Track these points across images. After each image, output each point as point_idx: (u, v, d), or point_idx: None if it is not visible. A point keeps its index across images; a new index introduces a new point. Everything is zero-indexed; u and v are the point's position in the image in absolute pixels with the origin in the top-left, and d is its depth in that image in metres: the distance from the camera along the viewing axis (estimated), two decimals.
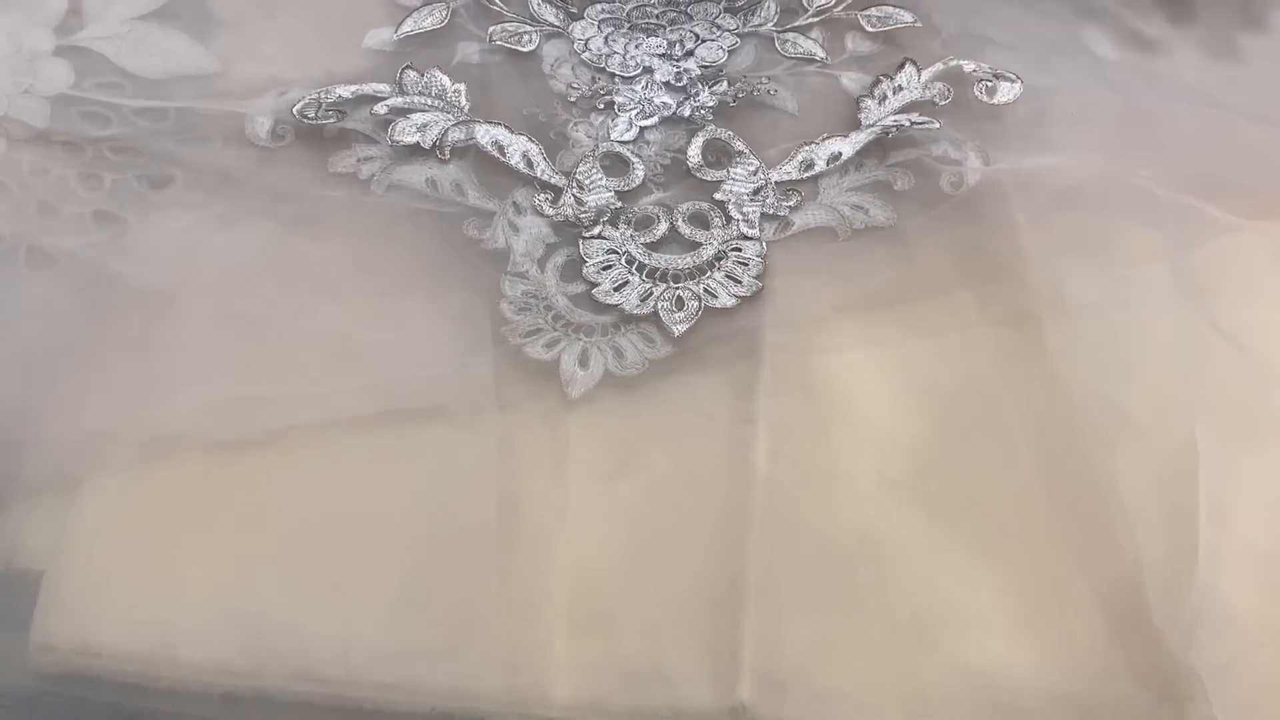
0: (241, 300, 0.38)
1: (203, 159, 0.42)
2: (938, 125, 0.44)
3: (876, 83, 0.47)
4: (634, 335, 0.39)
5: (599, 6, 0.49)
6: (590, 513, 0.35)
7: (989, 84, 0.46)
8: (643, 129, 0.45)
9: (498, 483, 0.35)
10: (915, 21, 0.49)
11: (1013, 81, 0.46)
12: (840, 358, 0.39)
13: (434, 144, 0.43)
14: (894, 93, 0.46)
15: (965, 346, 0.39)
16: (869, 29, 0.49)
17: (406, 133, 0.43)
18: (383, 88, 0.44)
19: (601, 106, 0.46)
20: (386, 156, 0.43)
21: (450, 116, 0.43)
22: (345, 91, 0.44)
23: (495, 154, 0.43)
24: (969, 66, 0.47)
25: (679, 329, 0.39)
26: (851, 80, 0.48)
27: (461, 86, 0.44)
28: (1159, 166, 0.44)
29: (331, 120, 0.43)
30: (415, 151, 0.43)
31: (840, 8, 0.50)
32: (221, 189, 0.42)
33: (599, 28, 0.49)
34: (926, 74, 0.47)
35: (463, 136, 0.43)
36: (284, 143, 0.43)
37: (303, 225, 0.41)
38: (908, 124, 0.44)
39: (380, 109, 0.43)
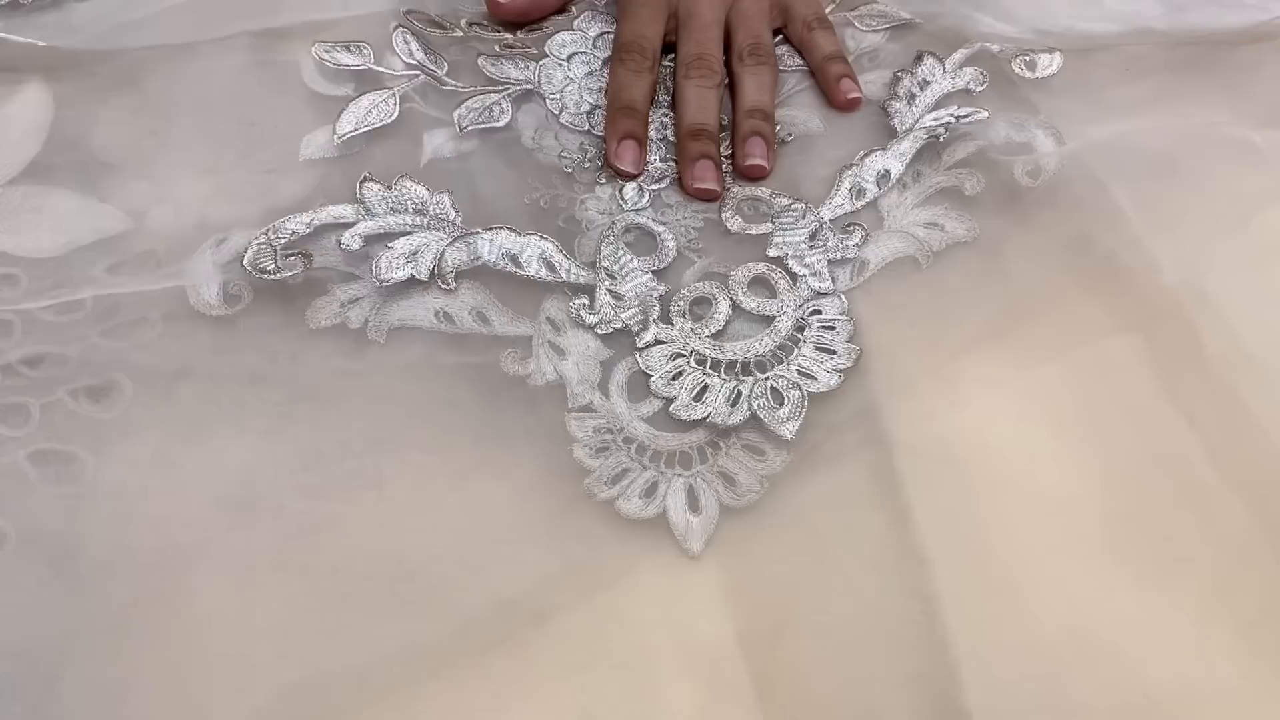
0: (260, 538, 0.30)
1: (145, 350, 0.33)
2: (986, 114, 0.39)
3: (897, 80, 0.41)
4: (738, 451, 0.32)
5: (559, 39, 0.42)
6: (776, 680, 0.29)
7: (1026, 59, 0.41)
8: (658, 191, 0.38)
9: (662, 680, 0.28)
10: (914, 18, 0.44)
11: (1050, 51, 0.41)
12: (973, 413, 0.33)
13: (431, 272, 0.35)
14: (921, 88, 0.40)
15: (1104, 364, 0.34)
16: (863, 29, 0.43)
17: (395, 267, 0.34)
18: (344, 210, 0.36)
19: (604, 180, 0.38)
20: (376, 293, 0.34)
21: (442, 234, 0.35)
22: (298, 224, 0.35)
23: (510, 267, 0.35)
24: (995, 47, 0.41)
25: (789, 430, 0.32)
26: (869, 81, 0.42)
27: (445, 197, 0.36)
28: (1234, 105, 0.39)
29: (298, 271, 0.34)
30: (412, 279, 0.34)
31: (829, 9, 0.44)
32: (181, 384, 0.33)
33: (568, 67, 0.41)
34: (951, 62, 0.41)
35: (465, 257, 0.35)
36: (242, 305, 0.34)
37: (300, 410, 0.32)
38: (953, 120, 0.38)
39: (350, 241, 0.35)
